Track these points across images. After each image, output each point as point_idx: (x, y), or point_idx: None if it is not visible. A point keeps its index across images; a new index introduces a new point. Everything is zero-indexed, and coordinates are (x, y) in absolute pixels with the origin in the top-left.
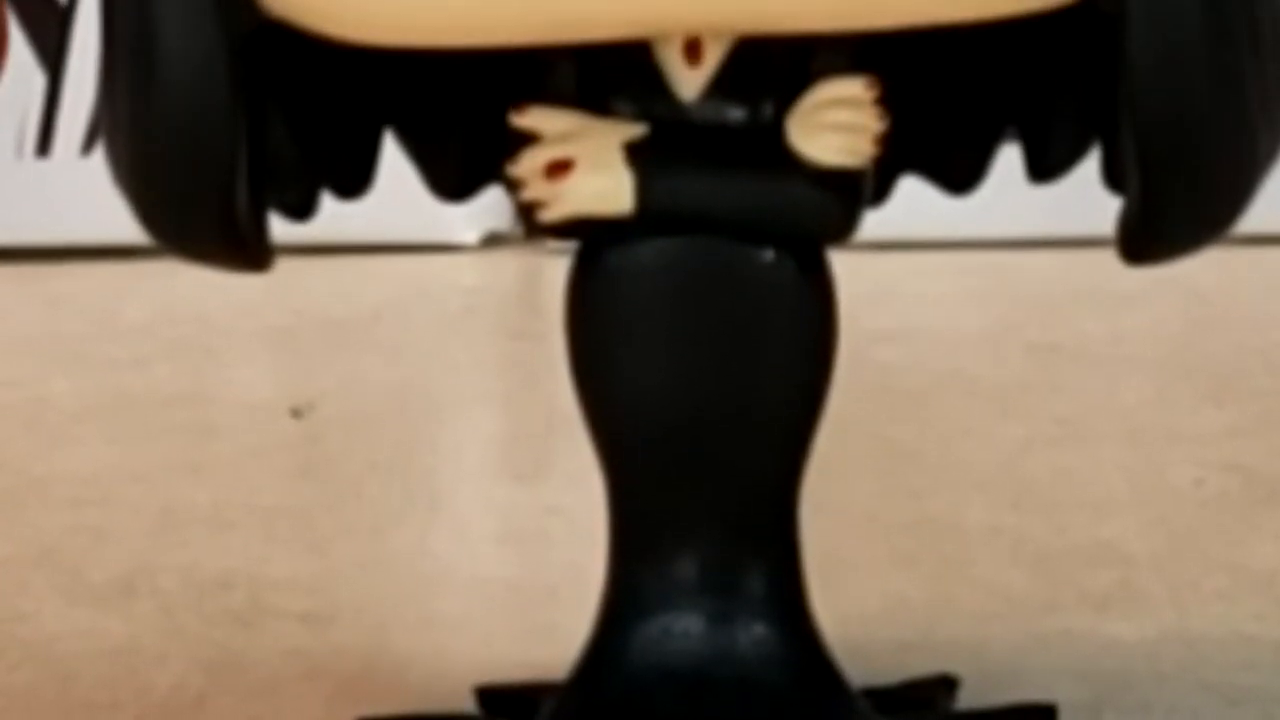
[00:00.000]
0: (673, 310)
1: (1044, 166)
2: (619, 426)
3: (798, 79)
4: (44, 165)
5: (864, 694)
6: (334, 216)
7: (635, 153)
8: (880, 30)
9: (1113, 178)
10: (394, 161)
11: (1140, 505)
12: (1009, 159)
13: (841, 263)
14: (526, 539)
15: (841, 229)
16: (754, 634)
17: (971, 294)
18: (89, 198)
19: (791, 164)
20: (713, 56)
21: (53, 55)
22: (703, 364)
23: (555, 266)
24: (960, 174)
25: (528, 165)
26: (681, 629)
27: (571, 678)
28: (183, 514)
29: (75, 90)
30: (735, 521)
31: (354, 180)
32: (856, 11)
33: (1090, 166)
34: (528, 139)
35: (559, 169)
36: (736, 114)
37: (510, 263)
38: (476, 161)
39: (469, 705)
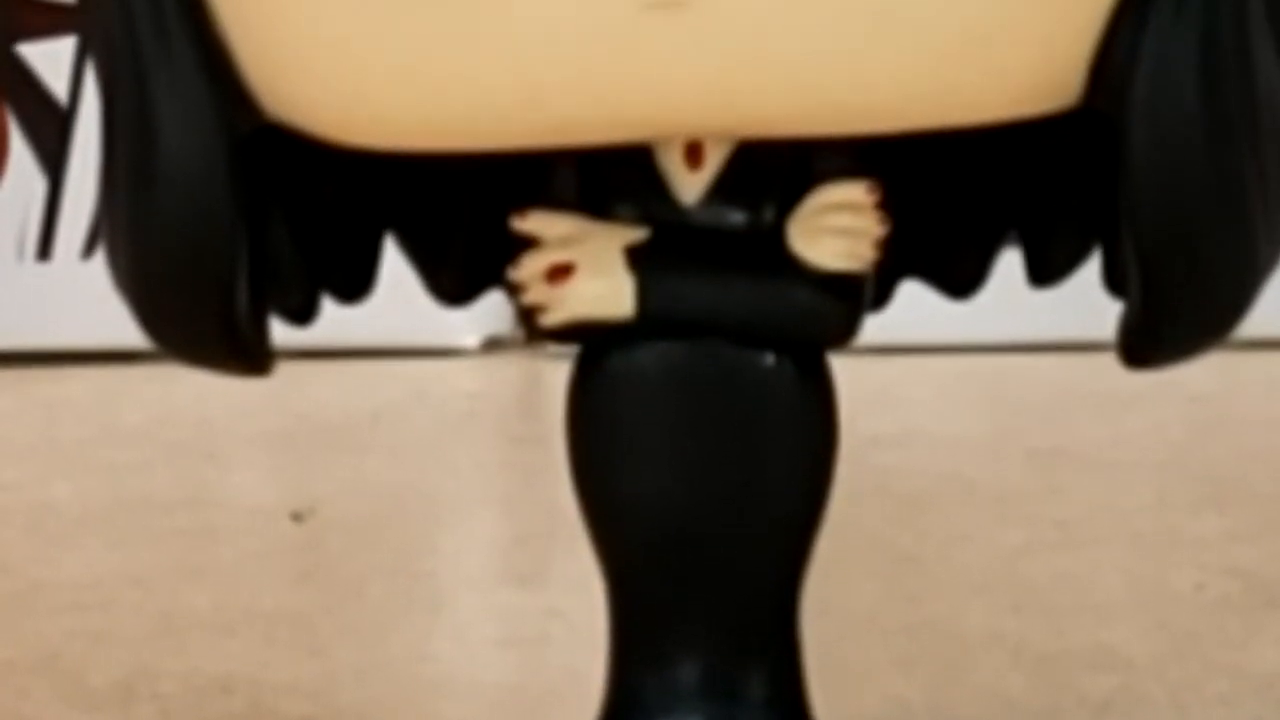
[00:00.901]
0: (673, 414)
1: (1044, 270)
2: (620, 530)
3: (798, 183)
4: (45, 269)
5: None
6: (335, 320)
7: (636, 257)
8: (880, 134)
9: (1113, 282)
10: (395, 265)
11: (1141, 609)
12: (1009, 263)
13: (842, 366)
14: (527, 643)
15: (842, 333)
16: None
17: (972, 398)
18: (89, 302)
19: (792, 268)
20: (713, 160)
21: (53, 159)
22: (703, 467)
23: (556, 371)
24: (961, 278)
25: (529, 269)
26: None
27: None
28: (183, 618)
29: (76, 194)
30: (736, 625)
31: (355, 284)
32: (856, 116)
33: (1091, 270)
34: (529, 243)
35: (560, 273)
36: (737, 218)
37: (511, 367)
38: (477, 266)
39: None
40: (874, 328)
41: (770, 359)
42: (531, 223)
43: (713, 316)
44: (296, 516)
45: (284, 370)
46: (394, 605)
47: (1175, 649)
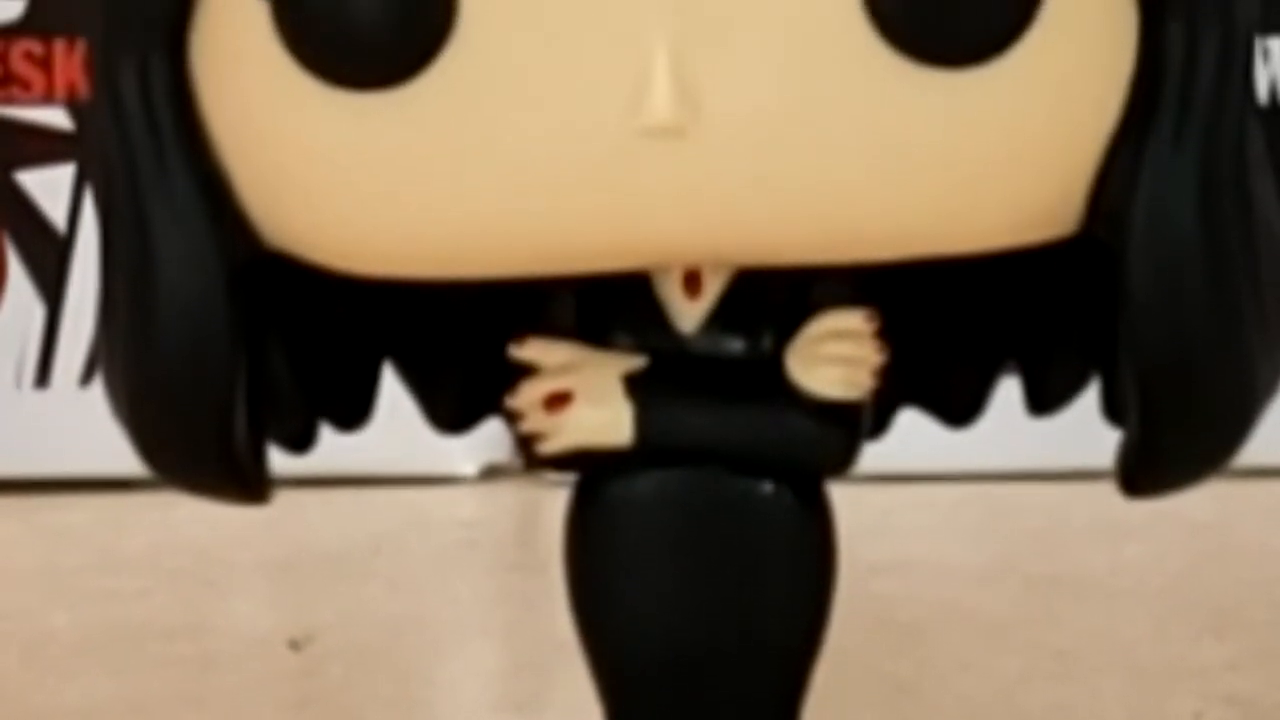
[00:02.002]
0: (672, 542)
1: (1043, 399)
2: (618, 658)
3: (797, 310)
4: (43, 396)
5: None
6: (333, 448)
7: (634, 385)
8: (878, 262)
9: (1112, 410)
10: (393, 393)
11: None
12: (1008, 391)
13: (840, 494)
14: None
15: (841, 461)
16: None
17: (970, 526)
18: (88, 429)
19: (791, 396)
20: (712, 289)
21: (52, 286)
22: (702, 596)
23: (554, 499)
24: (960, 406)
25: (526, 397)
26: None
27: None
28: None
29: (74, 322)
30: None
31: (353, 412)
32: (856, 244)
33: (1089, 398)
34: (527, 371)
35: (558, 401)
36: (735, 346)
37: (509, 495)
38: (475, 393)
39: None
40: (872, 456)
41: (769, 487)
42: (529, 350)
43: (711, 445)
44: (295, 644)
45: (282, 498)
46: None
47: None
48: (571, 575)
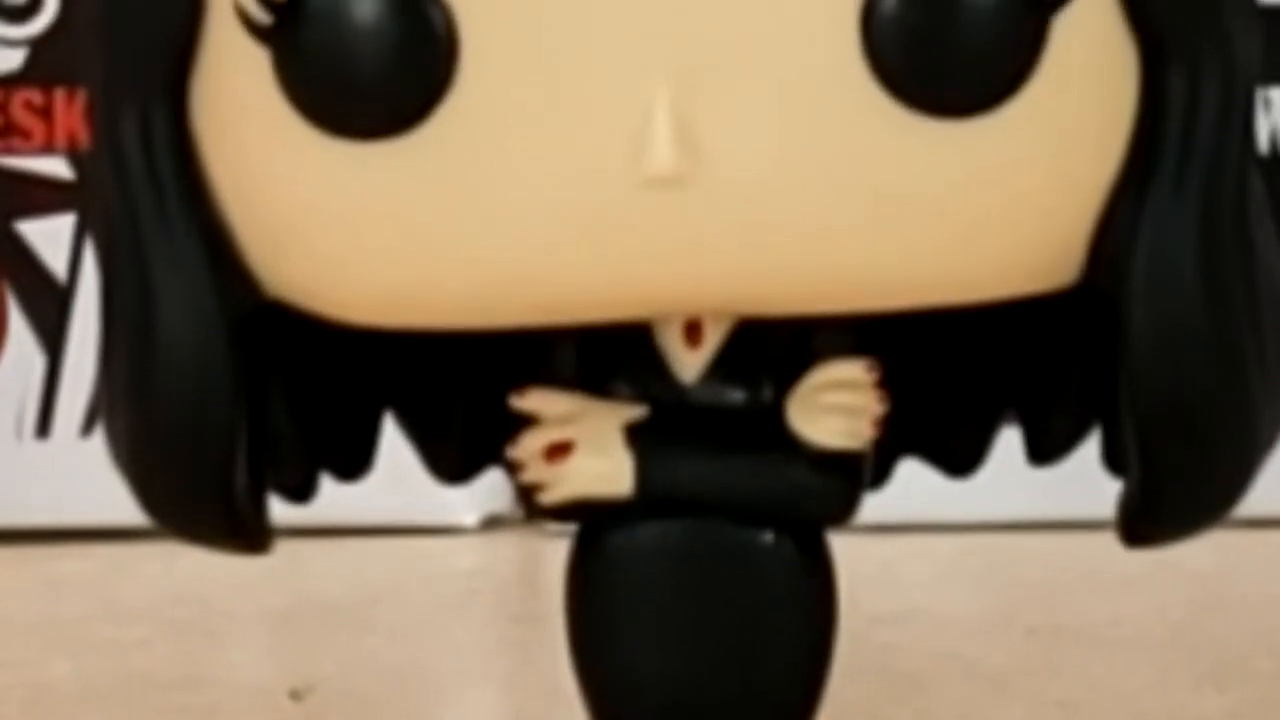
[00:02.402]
0: (672, 592)
1: (1044, 449)
2: (619, 708)
3: (797, 360)
4: (43, 447)
5: None
6: (333, 498)
7: (635, 435)
8: (879, 312)
9: (1113, 460)
10: (393, 443)
11: None
12: (1008, 441)
13: (841, 544)
14: None
15: (842, 512)
16: None
17: (971, 576)
18: (88, 479)
19: (792, 446)
20: (712, 338)
21: (52, 336)
22: (703, 646)
23: (555, 549)
24: (960, 456)
25: (527, 448)
26: None
27: None
28: None
29: (75, 372)
30: None
31: (354, 462)
32: (857, 295)
33: (1090, 449)
34: (528, 421)
35: (559, 451)
36: (736, 396)
37: (510, 545)
38: (476, 444)
39: None
40: (873, 506)
41: (770, 537)
42: (530, 401)
43: (712, 495)
44: (295, 695)
45: (283, 548)
46: None
47: None
48: (572, 625)
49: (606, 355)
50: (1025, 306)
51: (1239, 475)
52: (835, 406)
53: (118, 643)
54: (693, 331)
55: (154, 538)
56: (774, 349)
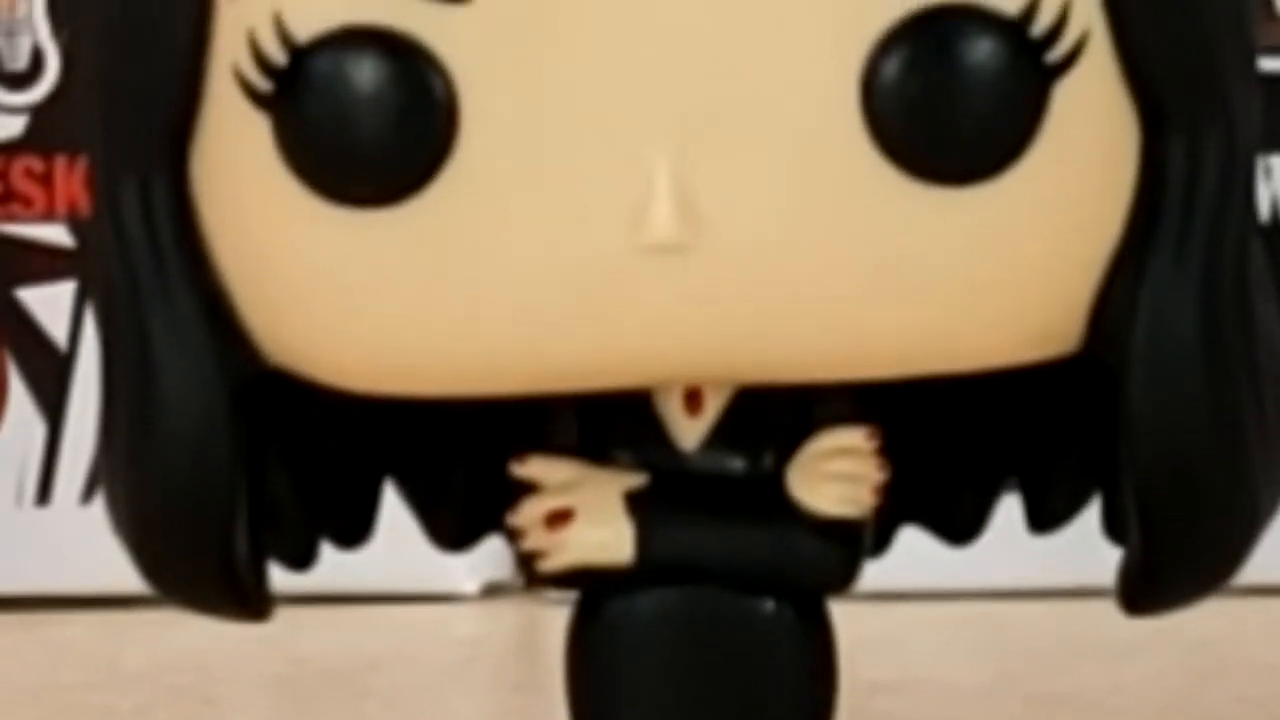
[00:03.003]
0: (673, 660)
1: (1044, 517)
2: None
3: (798, 428)
4: (43, 513)
5: None
6: (333, 565)
7: (635, 503)
8: (879, 380)
9: (1113, 528)
10: (393, 510)
11: None
12: (1008, 509)
13: (842, 612)
14: None
15: (842, 580)
16: None
17: (971, 644)
18: (88, 546)
19: (792, 514)
20: (713, 406)
21: (53, 403)
22: (703, 713)
23: (555, 617)
24: (960, 524)
25: (527, 515)
26: None
27: None
28: None
29: (75, 439)
30: None
31: (354, 530)
32: (858, 362)
33: (1090, 516)
34: (528, 488)
35: (559, 519)
36: (737, 463)
37: (510, 613)
38: (477, 511)
39: None
40: (874, 573)
41: (770, 605)
42: (530, 468)
43: (713, 562)
44: None
45: (283, 615)
46: None
47: None
48: (572, 693)
49: (607, 422)
50: (1025, 374)
51: (1239, 543)
52: (836, 474)
53: (117, 709)
54: (693, 399)
55: (154, 605)
56: (775, 416)
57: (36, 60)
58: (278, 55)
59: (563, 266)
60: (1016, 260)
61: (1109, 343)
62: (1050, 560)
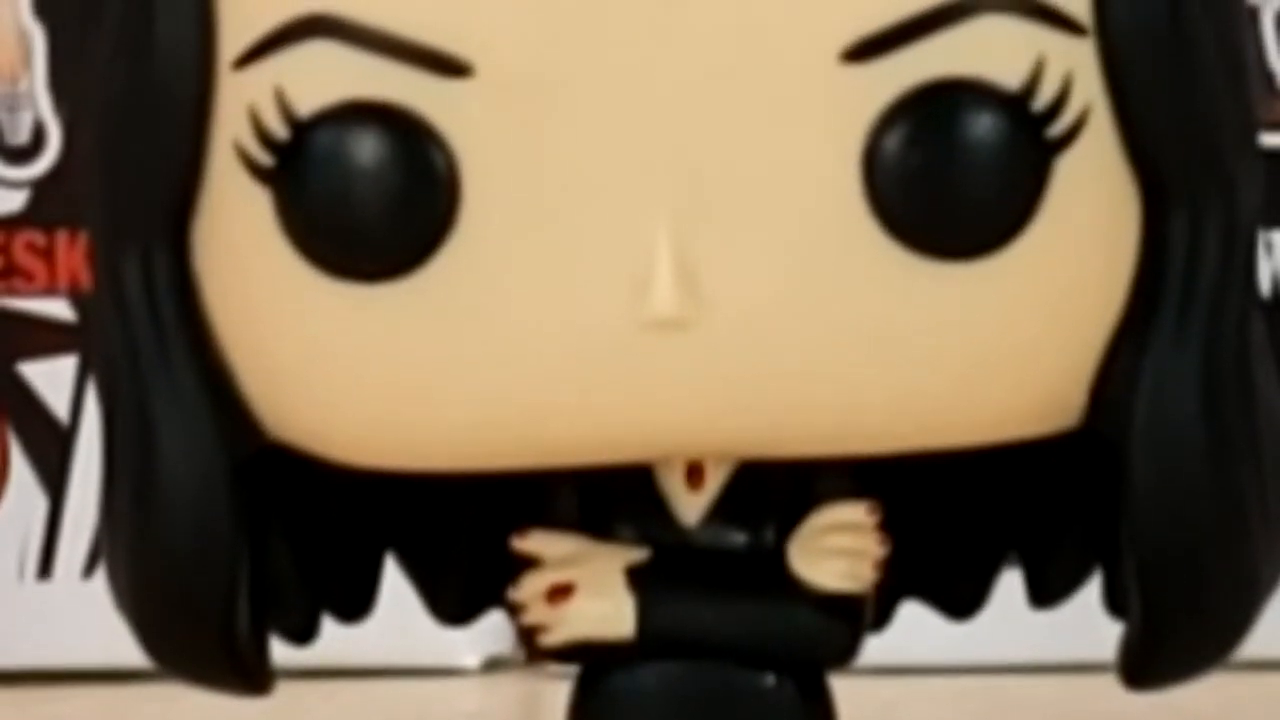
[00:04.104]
0: None
1: (1045, 591)
2: None
3: (799, 502)
4: (45, 588)
5: None
6: (335, 640)
7: (636, 577)
8: (880, 455)
9: (1114, 602)
10: (394, 585)
11: None
12: (1009, 583)
13: (843, 687)
14: None
15: (843, 654)
16: None
17: (972, 719)
18: (90, 621)
19: (793, 589)
20: (714, 481)
21: (54, 478)
22: None
23: (557, 691)
24: (961, 599)
25: (529, 590)
26: None
27: None
28: None
29: (76, 513)
30: None
31: (355, 604)
32: (859, 437)
33: (1091, 591)
34: (529, 563)
35: (560, 593)
36: (738, 538)
37: (511, 687)
38: (478, 585)
39: None
40: (874, 648)
41: (771, 679)
42: (532, 543)
43: (713, 637)
44: None
45: (284, 690)
46: None
47: None
48: None
49: (608, 497)
50: (1026, 449)
51: (1240, 619)
52: (837, 549)
53: None
54: (694, 474)
55: (155, 679)
56: (775, 491)
57: (38, 135)
58: (279, 129)
59: (564, 341)
60: (1018, 335)
61: (1110, 417)
62: (1051, 635)
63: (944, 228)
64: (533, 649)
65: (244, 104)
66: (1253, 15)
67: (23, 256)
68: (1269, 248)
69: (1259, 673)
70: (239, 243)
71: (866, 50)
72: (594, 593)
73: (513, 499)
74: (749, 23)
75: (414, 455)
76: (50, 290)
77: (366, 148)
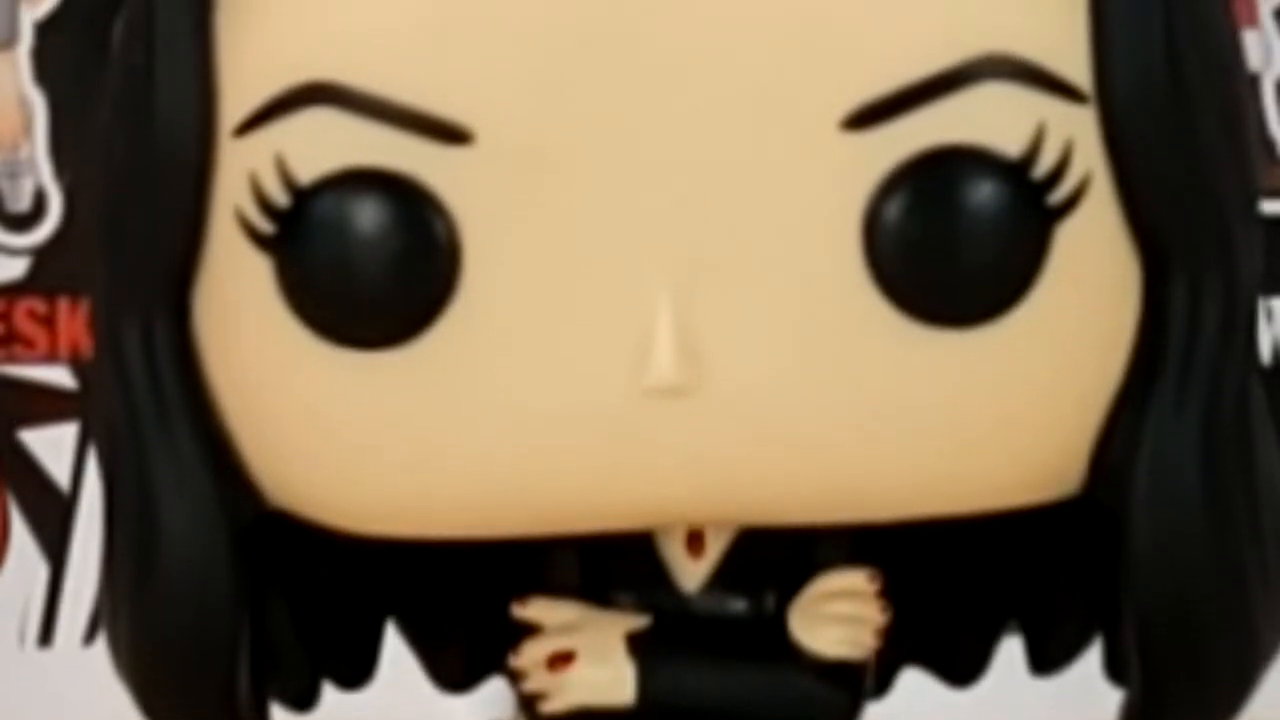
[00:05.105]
0: None
1: (1045, 658)
2: None
3: (799, 570)
4: (46, 655)
5: None
6: (336, 705)
7: (637, 644)
8: (881, 522)
9: (1114, 668)
10: (395, 651)
11: None
12: (1010, 650)
13: None
14: None
15: None
16: None
17: None
18: (91, 689)
19: (794, 655)
20: (714, 548)
21: (55, 546)
22: None
23: None
24: (962, 666)
25: (529, 657)
26: None
27: None
28: None
29: (77, 581)
30: None
31: (356, 671)
32: (859, 505)
33: (1092, 658)
34: (530, 630)
35: (561, 660)
36: (738, 605)
37: None
38: (479, 652)
39: None
40: (875, 715)
41: None
42: (532, 610)
43: (714, 703)
44: None
45: None
46: None
47: None
48: None
49: (609, 564)
50: (1027, 515)
51: (1240, 684)
52: (837, 616)
53: None
54: (695, 541)
55: None
56: (776, 558)
57: (39, 202)
58: (280, 197)
59: (565, 409)
60: (1018, 403)
61: (1110, 485)
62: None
63: (944, 295)
64: (534, 715)
65: (245, 171)
66: (1253, 83)
67: (24, 324)
68: (1269, 315)
69: None
70: (239, 309)
71: (867, 118)
72: (595, 660)
73: (513, 565)
74: (749, 91)
75: (414, 522)
76: (51, 357)
77: (367, 215)
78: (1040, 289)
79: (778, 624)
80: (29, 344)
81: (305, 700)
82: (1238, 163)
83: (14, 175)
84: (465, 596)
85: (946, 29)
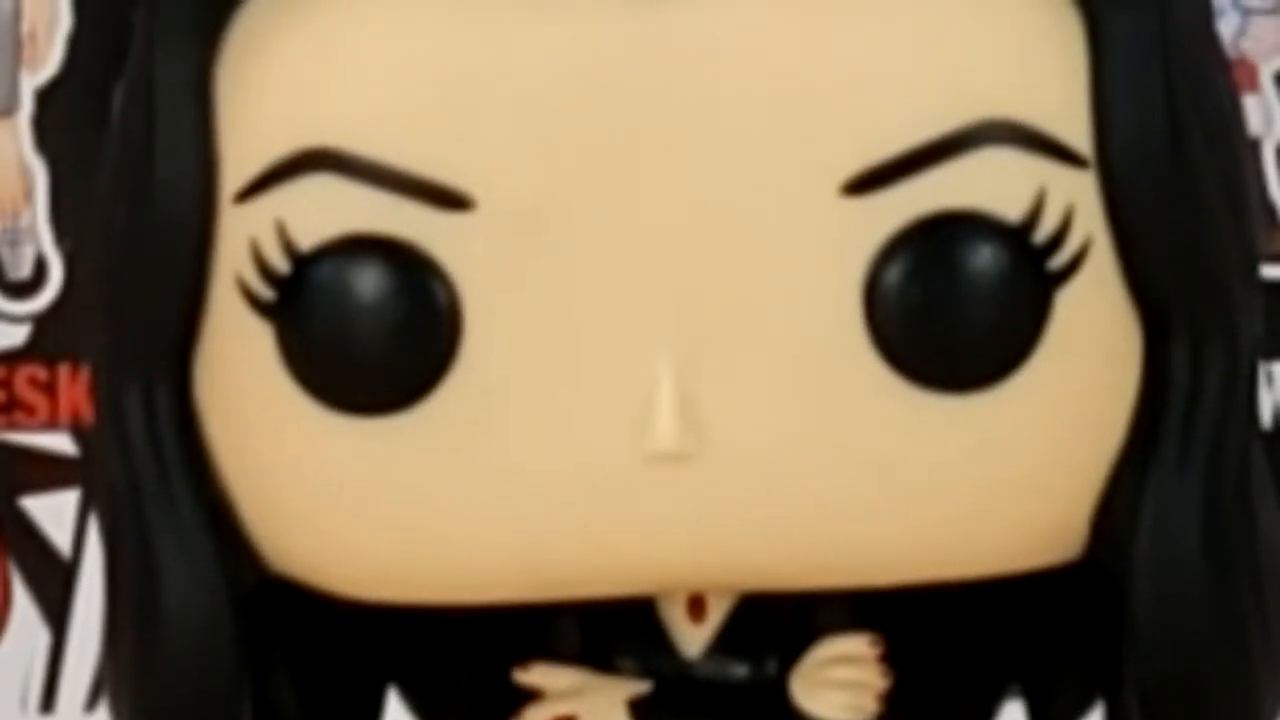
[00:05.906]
0: None
1: None
2: None
3: (801, 635)
4: None
5: None
6: None
7: (639, 710)
8: (882, 588)
9: None
10: (397, 716)
11: None
12: (1012, 714)
13: None
14: None
15: None
16: None
17: None
18: None
19: None
20: (716, 614)
21: (56, 612)
22: None
23: None
24: None
25: None
26: None
27: None
28: None
29: (79, 647)
30: None
31: None
32: (861, 570)
33: None
34: (532, 695)
35: None
36: (740, 670)
37: None
38: (481, 718)
39: None
40: None
41: None
42: (534, 675)
43: None
44: None
45: None
46: None
47: None
48: None
49: (610, 629)
50: (1028, 579)
51: None
52: (839, 682)
53: None
54: (696, 606)
55: None
56: (777, 623)
57: (40, 269)
58: (280, 263)
59: (566, 475)
60: (1019, 468)
61: (1112, 549)
62: None
63: (945, 360)
64: None
65: (245, 237)
66: (1254, 147)
67: (24, 390)
68: (1270, 379)
69: None
70: (240, 376)
71: (867, 183)
72: None
73: (515, 631)
74: (749, 157)
75: (415, 588)
76: (52, 424)
77: (368, 281)
78: (1041, 354)
79: (779, 689)
80: (30, 411)
81: None
82: (1238, 228)
83: (15, 243)
84: (467, 662)
85: (946, 94)
